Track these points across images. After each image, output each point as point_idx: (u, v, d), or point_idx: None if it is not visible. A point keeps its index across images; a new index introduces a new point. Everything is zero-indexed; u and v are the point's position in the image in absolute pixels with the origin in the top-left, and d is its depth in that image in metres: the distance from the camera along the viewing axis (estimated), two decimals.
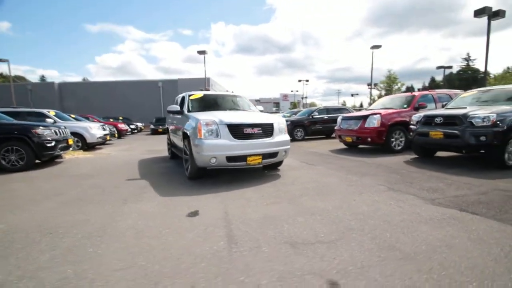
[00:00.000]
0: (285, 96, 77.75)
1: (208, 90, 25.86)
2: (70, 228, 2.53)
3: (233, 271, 1.76)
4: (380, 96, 33.60)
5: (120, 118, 22.76)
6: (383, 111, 6.93)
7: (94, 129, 9.59)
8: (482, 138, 4.43)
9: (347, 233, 2.30)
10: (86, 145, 9.32)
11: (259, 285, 1.60)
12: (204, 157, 3.91)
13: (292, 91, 53.63)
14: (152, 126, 20.00)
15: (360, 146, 8.14)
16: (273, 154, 4.34)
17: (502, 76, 33.76)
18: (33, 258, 1.98)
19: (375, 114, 6.84)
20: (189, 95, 5.47)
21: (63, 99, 32.17)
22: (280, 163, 5.02)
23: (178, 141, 5.50)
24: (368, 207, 2.94)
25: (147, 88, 32.12)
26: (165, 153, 8.27)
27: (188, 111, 5.01)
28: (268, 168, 5.14)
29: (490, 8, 12.41)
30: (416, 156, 6.11)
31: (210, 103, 5.47)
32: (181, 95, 6.51)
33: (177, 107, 5.16)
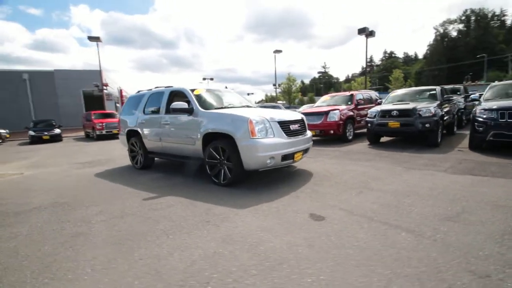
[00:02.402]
0: None
1: (107, 85, 21.64)
2: (220, 267, 1.88)
3: (458, 251, 1.92)
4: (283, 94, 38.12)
5: None
6: (340, 107, 8.17)
7: None
8: (427, 125, 6.13)
9: (458, 204, 2.84)
10: None
11: (482, 248, 1.86)
12: (261, 158, 3.59)
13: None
14: (32, 133, 14.74)
15: (314, 138, 9.22)
16: (307, 150, 4.46)
17: (362, 80, 44.79)
18: None
19: (334, 110, 7.99)
20: (191, 90, 4.68)
21: None
22: None
23: (180, 145, 4.63)
24: (423, 183, 3.62)
25: (2, 82, 23.28)
26: (109, 164, 6.60)
27: (205, 109, 4.32)
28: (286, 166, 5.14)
29: (368, 28, 16.68)
30: (369, 142, 7.62)
31: (219, 100, 4.89)
32: (159, 90, 5.40)
33: (185, 104, 4.34)
